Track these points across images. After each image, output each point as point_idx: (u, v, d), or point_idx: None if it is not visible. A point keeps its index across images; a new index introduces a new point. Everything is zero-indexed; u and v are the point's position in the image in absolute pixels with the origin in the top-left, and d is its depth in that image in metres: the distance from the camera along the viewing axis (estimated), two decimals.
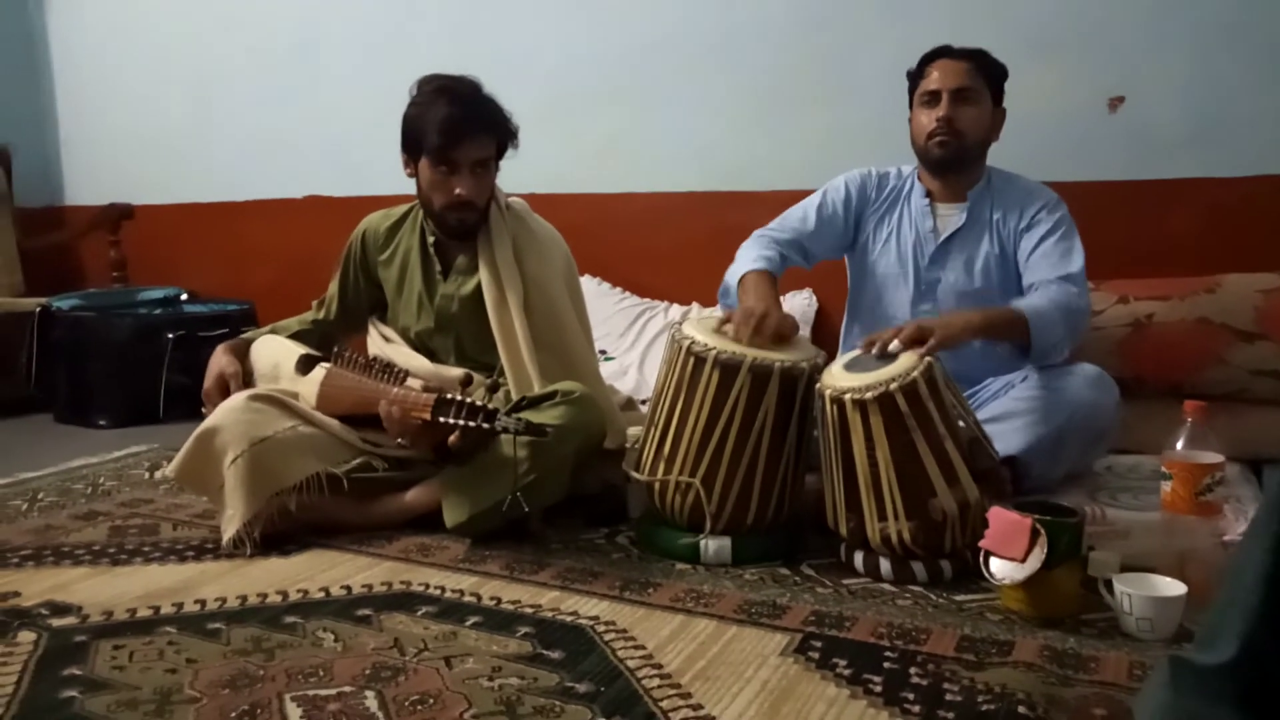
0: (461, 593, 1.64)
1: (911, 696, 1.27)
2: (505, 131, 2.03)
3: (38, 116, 4.25)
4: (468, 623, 1.51)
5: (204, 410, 2.02)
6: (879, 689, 1.29)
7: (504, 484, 1.79)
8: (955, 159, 2.11)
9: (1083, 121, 2.62)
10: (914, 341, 1.71)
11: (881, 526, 1.65)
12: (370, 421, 1.90)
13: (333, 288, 2.30)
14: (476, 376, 1.98)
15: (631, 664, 1.36)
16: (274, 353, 2.16)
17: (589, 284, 3.14)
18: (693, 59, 3.06)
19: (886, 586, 1.66)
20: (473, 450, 1.85)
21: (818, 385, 1.71)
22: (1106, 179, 2.60)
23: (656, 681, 1.31)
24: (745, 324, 1.80)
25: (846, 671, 1.34)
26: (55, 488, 2.34)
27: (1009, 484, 1.85)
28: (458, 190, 1.98)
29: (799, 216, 2.22)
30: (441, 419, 1.75)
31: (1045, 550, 1.46)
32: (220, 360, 2.16)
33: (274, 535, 1.86)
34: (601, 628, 1.49)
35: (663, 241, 3.17)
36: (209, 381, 2.14)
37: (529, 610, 1.56)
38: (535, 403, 1.90)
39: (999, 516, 1.53)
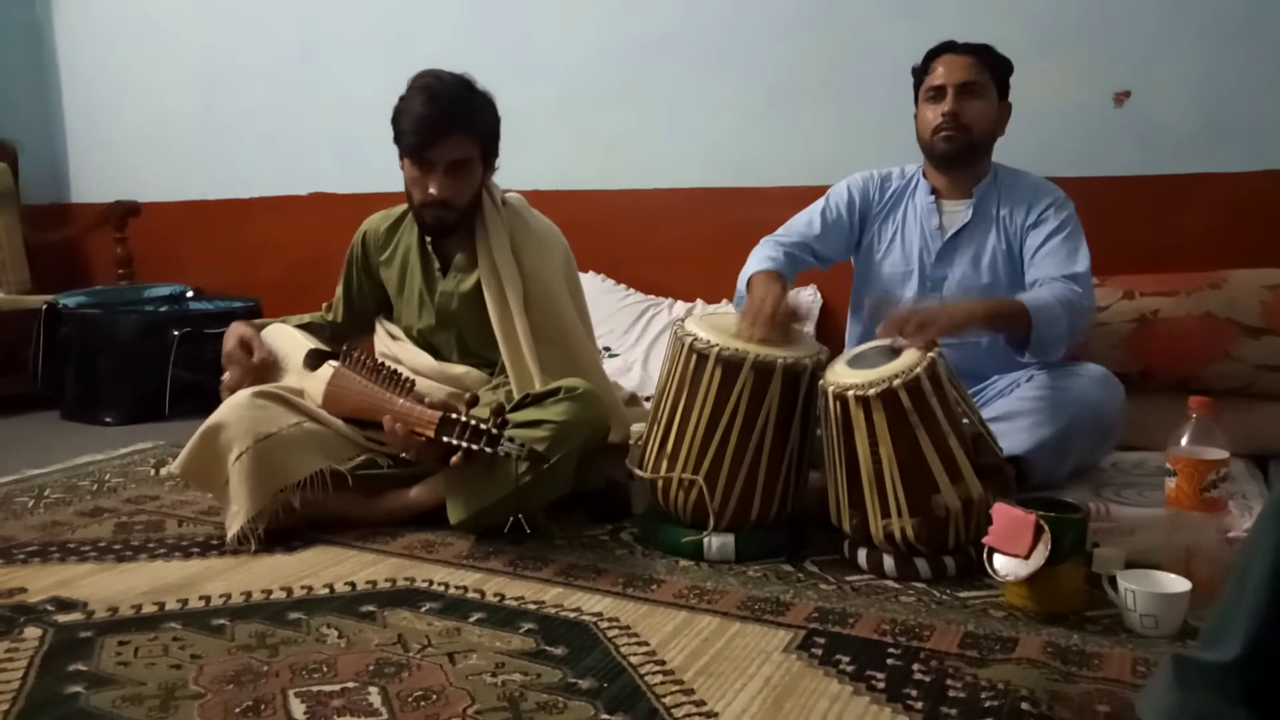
0: (465, 589, 1.64)
1: (914, 693, 1.27)
2: (485, 133, 2.03)
3: (44, 113, 4.26)
4: (471, 619, 1.52)
5: (221, 389, 2.01)
6: (882, 686, 1.29)
7: (507, 481, 1.79)
8: (961, 153, 2.10)
9: (1090, 117, 2.61)
10: (918, 331, 1.70)
11: (885, 523, 1.65)
12: (374, 425, 1.90)
13: (339, 292, 2.31)
14: (483, 396, 1.97)
15: (634, 660, 1.37)
16: (285, 343, 2.18)
17: (593, 280, 3.14)
18: (699, 55, 3.06)
19: (890, 583, 1.66)
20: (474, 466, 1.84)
21: (821, 382, 1.71)
22: (1114, 174, 2.59)
23: (659, 678, 1.31)
24: (750, 317, 1.80)
25: (849, 668, 1.34)
26: (61, 484, 2.35)
27: (1013, 480, 1.84)
28: (431, 189, 1.98)
29: (804, 222, 2.23)
30: (445, 439, 1.75)
31: (1049, 546, 1.46)
32: (240, 328, 2.17)
33: (278, 531, 1.87)
34: (604, 624, 1.49)
35: (667, 238, 3.17)
36: (230, 344, 2.14)
37: (532, 606, 1.57)
38: (538, 399, 1.91)
39: (1003, 513, 1.53)
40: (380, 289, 2.26)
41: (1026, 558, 1.47)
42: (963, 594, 1.60)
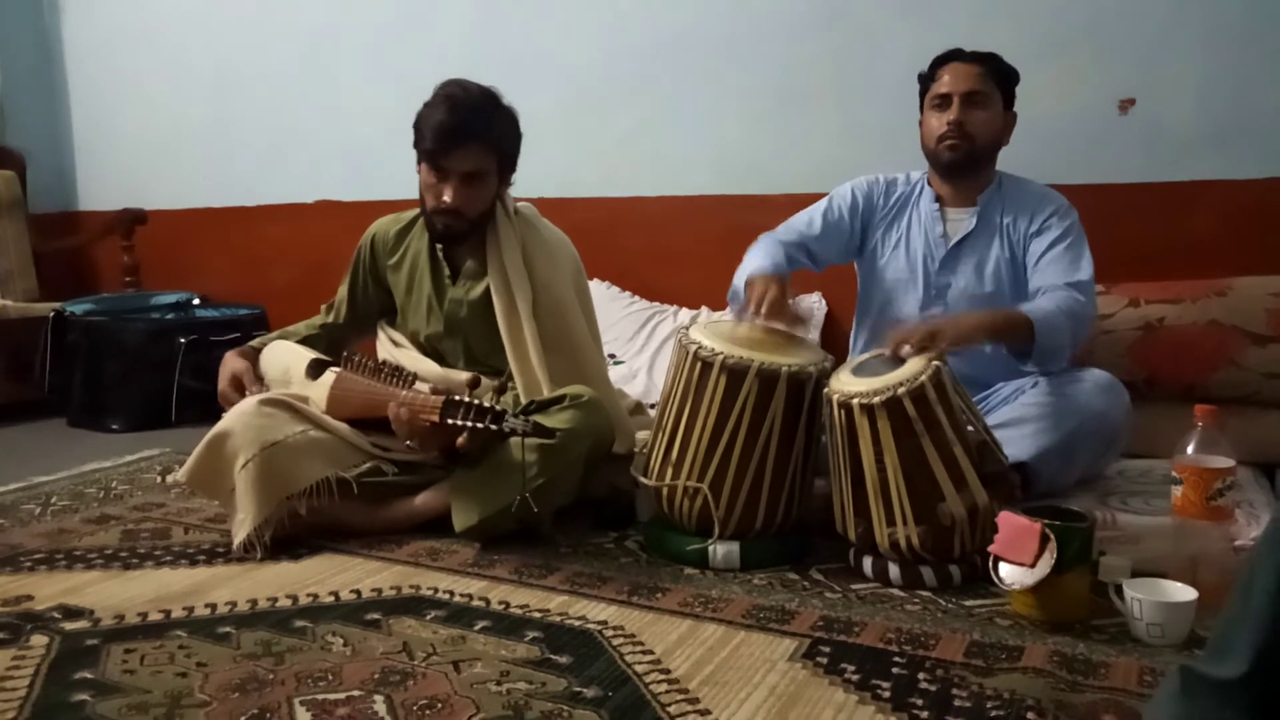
0: (470, 597, 1.65)
1: (920, 702, 1.27)
2: (504, 146, 2.04)
3: (52, 122, 4.28)
4: (476, 627, 1.52)
5: (222, 412, 2.03)
6: (887, 694, 1.29)
7: (513, 488, 1.80)
8: (965, 162, 2.10)
9: (1095, 123, 2.61)
10: (924, 346, 1.70)
11: (890, 531, 1.65)
12: (380, 425, 1.91)
13: (342, 291, 2.31)
14: (484, 379, 1.99)
15: (639, 669, 1.37)
16: (284, 358, 2.17)
17: (598, 288, 3.14)
18: (705, 62, 3.06)
19: (895, 591, 1.65)
20: (481, 452, 1.85)
21: (825, 390, 1.71)
22: (1119, 181, 2.59)
23: (664, 686, 1.31)
24: (755, 304, 1.80)
25: (855, 677, 1.34)
26: (68, 491, 2.36)
27: (1018, 488, 1.84)
28: (445, 197, 1.99)
29: (805, 221, 2.23)
30: (450, 421, 1.76)
31: (1055, 555, 1.46)
32: (232, 362, 2.18)
33: (284, 539, 1.87)
34: (609, 632, 1.49)
35: (673, 245, 3.17)
36: (223, 383, 2.15)
37: (537, 614, 1.57)
38: (544, 406, 1.91)
39: (1008, 521, 1.53)
40: (386, 293, 2.27)
41: (1032, 566, 1.47)
42: (968, 602, 1.60)
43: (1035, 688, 1.30)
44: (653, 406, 2.30)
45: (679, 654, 1.41)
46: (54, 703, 1.30)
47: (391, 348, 2.22)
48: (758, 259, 2.10)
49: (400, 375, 1.92)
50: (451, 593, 1.66)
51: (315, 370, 2.07)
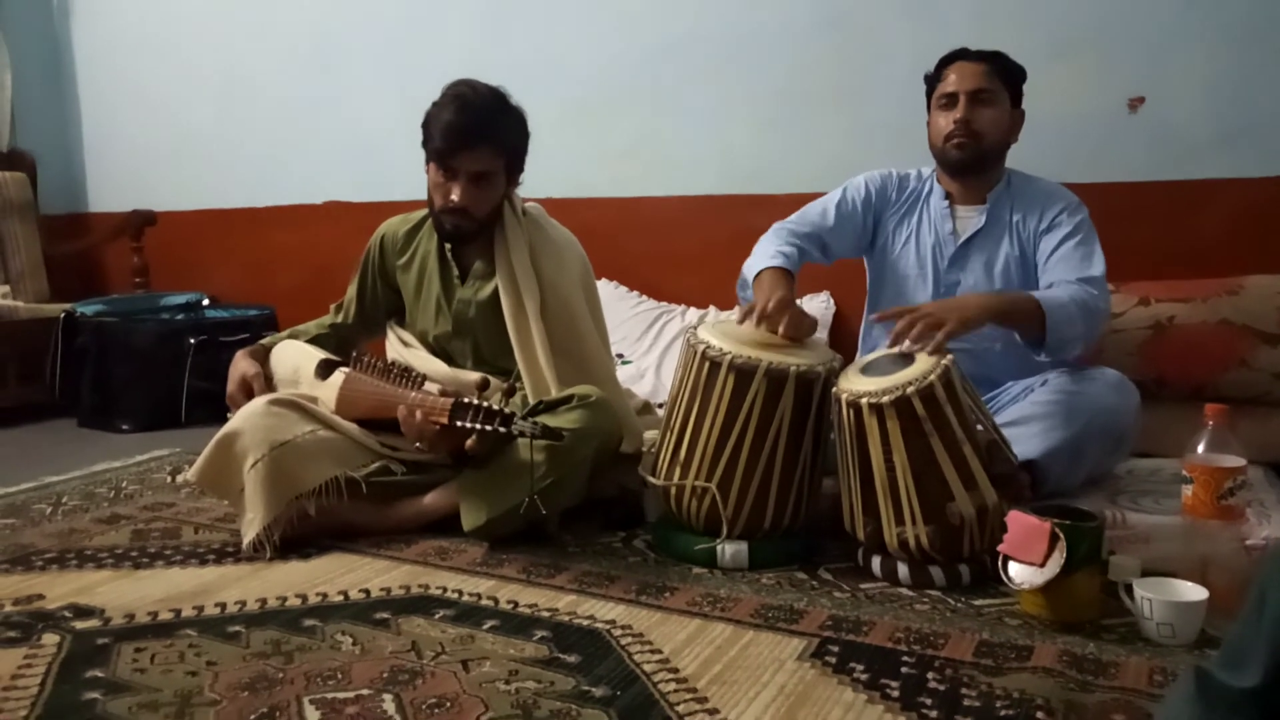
0: (479, 596, 1.65)
1: (929, 701, 1.26)
2: (512, 147, 2.04)
3: (62, 125, 4.30)
4: (485, 626, 1.52)
5: (229, 414, 2.04)
6: (896, 694, 1.29)
7: (521, 488, 1.80)
8: (973, 161, 2.10)
9: (1104, 121, 2.60)
10: (929, 331, 1.70)
11: (899, 531, 1.65)
12: (388, 425, 1.92)
13: (351, 291, 2.32)
14: (493, 380, 1.99)
15: (648, 668, 1.37)
16: (293, 358, 2.18)
17: (606, 288, 3.15)
18: (712, 64, 3.06)
19: (904, 591, 1.65)
20: (490, 453, 1.86)
21: (834, 389, 1.71)
22: (1129, 180, 2.58)
23: (673, 685, 1.31)
24: (760, 310, 1.80)
25: (864, 676, 1.33)
26: (78, 491, 2.37)
27: (1027, 487, 1.84)
28: (453, 197, 1.99)
29: (819, 212, 2.22)
30: (459, 423, 1.77)
31: (1064, 555, 1.45)
32: (241, 364, 2.18)
33: (293, 539, 1.88)
34: (618, 631, 1.49)
35: (680, 245, 3.17)
36: (232, 386, 2.16)
37: (546, 614, 1.57)
38: (551, 406, 1.91)
39: (1018, 520, 1.52)
40: (395, 293, 2.27)
41: (1042, 566, 1.47)
42: (977, 602, 1.59)
43: (1045, 687, 1.29)
44: (661, 406, 2.30)
45: (687, 653, 1.41)
46: (65, 701, 1.30)
47: (401, 348, 2.22)
48: (769, 254, 2.09)
49: (409, 376, 1.92)
50: (460, 592, 1.67)
51: (324, 370, 2.08)
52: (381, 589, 1.68)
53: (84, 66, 4.27)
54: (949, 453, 1.61)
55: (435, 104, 2.01)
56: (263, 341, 2.28)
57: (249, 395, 2.11)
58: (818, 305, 2.92)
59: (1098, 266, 2.00)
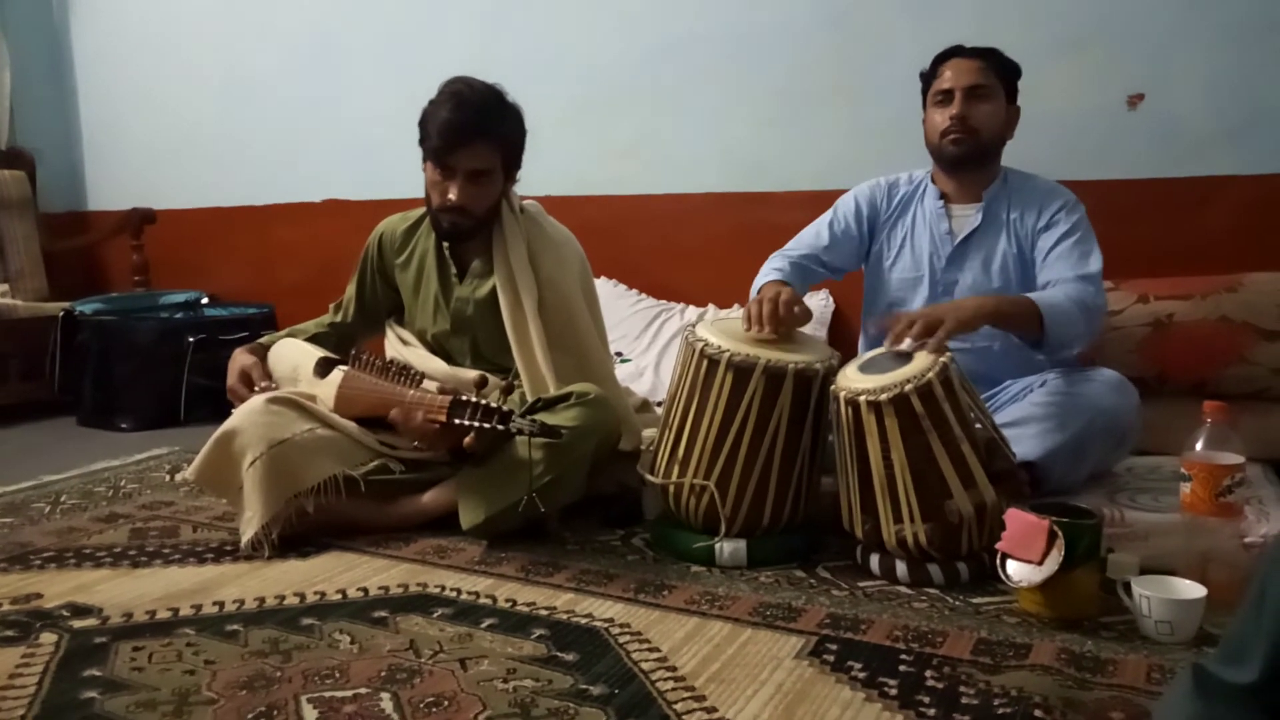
0: (477, 594, 1.65)
1: (927, 700, 1.26)
2: (509, 144, 2.04)
3: (62, 122, 4.30)
4: (483, 625, 1.52)
5: (231, 408, 2.04)
6: (894, 692, 1.28)
7: (520, 486, 1.80)
8: (970, 156, 2.10)
9: (1105, 119, 2.60)
10: (926, 332, 1.70)
11: (897, 529, 1.65)
12: (387, 423, 1.92)
13: (350, 290, 2.32)
14: (491, 378, 1.99)
15: (646, 666, 1.36)
16: (292, 356, 2.18)
17: (605, 285, 3.14)
18: (713, 60, 3.06)
19: (902, 589, 1.65)
20: (488, 451, 1.85)
21: (833, 387, 1.71)
22: (1129, 177, 2.58)
23: (671, 684, 1.31)
24: (754, 313, 1.80)
25: (862, 674, 1.33)
26: (77, 490, 2.37)
27: (1026, 485, 1.84)
28: (450, 194, 1.99)
29: (812, 234, 2.24)
30: (457, 420, 1.76)
31: (1063, 552, 1.45)
32: (240, 358, 2.18)
33: (292, 537, 1.88)
34: (616, 630, 1.49)
35: (680, 243, 3.17)
36: (232, 379, 2.16)
37: (544, 612, 1.57)
38: (550, 404, 1.91)
39: (1016, 518, 1.52)
40: (394, 291, 2.27)
41: (1040, 563, 1.47)
42: (976, 600, 1.59)
43: (1043, 685, 1.29)
44: (659, 404, 2.30)
45: (685, 651, 1.41)
46: (63, 700, 1.30)
47: (400, 346, 2.22)
48: (766, 273, 2.11)
49: (408, 374, 1.92)
50: (459, 590, 1.67)
51: (323, 369, 2.08)
52: (380, 587, 1.68)
53: (84, 64, 4.26)
54: (947, 450, 1.61)
55: (432, 102, 2.01)
56: (261, 340, 2.28)
57: (250, 386, 2.11)
58: (817, 303, 2.91)
59: (1095, 263, 2.00)
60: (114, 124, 4.22)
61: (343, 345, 2.24)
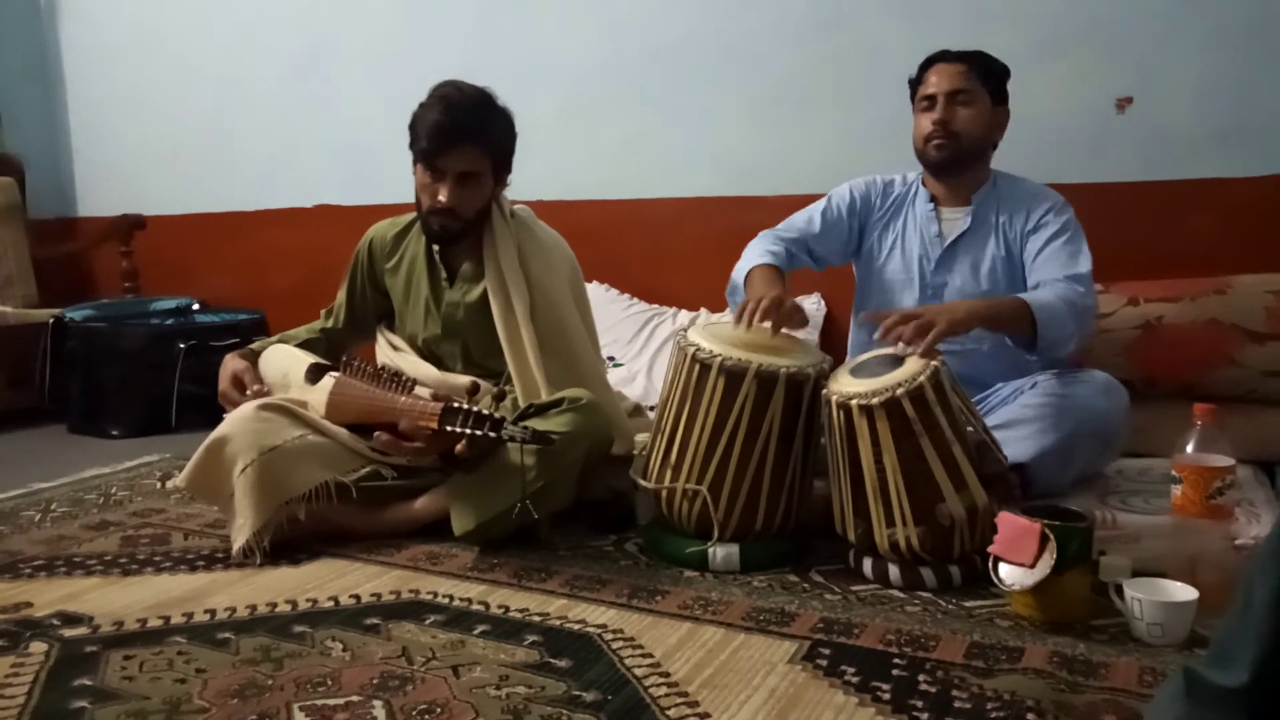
0: (470, 601, 1.64)
1: (920, 704, 1.26)
2: (499, 147, 2.04)
3: (50, 128, 4.28)
4: (475, 631, 1.51)
5: (223, 414, 2.03)
6: (887, 696, 1.29)
7: (512, 491, 1.80)
8: (952, 160, 2.11)
9: (1094, 122, 2.61)
10: (919, 334, 1.70)
11: (890, 532, 1.65)
12: (378, 429, 1.91)
13: (341, 296, 2.31)
14: (483, 384, 1.99)
15: (639, 672, 1.36)
16: (283, 362, 2.17)
17: (597, 290, 3.14)
18: (705, 64, 3.06)
19: (895, 593, 1.65)
20: (480, 457, 1.85)
21: (824, 391, 1.71)
22: (1118, 180, 2.59)
23: (664, 689, 1.31)
24: (752, 310, 1.80)
25: (855, 679, 1.33)
26: (67, 498, 2.36)
27: (1017, 488, 1.84)
28: (440, 197, 2.00)
29: (804, 219, 2.24)
30: (449, 428, 1.76)
31: (1055, 555, 1.46)
32: (232, 363, 2.18)
33: (283, 544, 1.87)
34: (609, 635, 1.49)
35: (671, 247, 3.17)
36: (224, 384, 2.15)
37: (537, 618, 1.56)
38: (542, 410, 1.91)
39: (1008, 521, 1.53)
40: (384, 296, 2.27)
41: (1032, 566, 1.47)
42: (968, 603, 1.60)
43: (1035, 689, 1.30)
44: (652, 409, 2.29)
45: (679, 657, 1.41)
46: (53, 710, 1.29)
47: (390, 352, 2.22)
48: (757, 253, 2.10)
49: (399, 380, 1.91)
50: (451, 597, 1.66)
51: (314, 375, 2.07)
52: (372, 594, 1.68)
53: (72, 69, 4.25)
54: (939, 454, 1.61)
55: (422, 105, 2.01)
56: (253, 345, 2.28)
57: (242, 391, 2.10)
58: (808, 306, 2.91)
59: (1084, 264, 2.01)
60: (103, 129, 4.20)
61: (334, 351, 2.23)
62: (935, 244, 2.16)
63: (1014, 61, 2.17)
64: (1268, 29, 2.44)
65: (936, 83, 2.11)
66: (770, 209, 2.79)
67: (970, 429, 1.69)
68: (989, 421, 1.87)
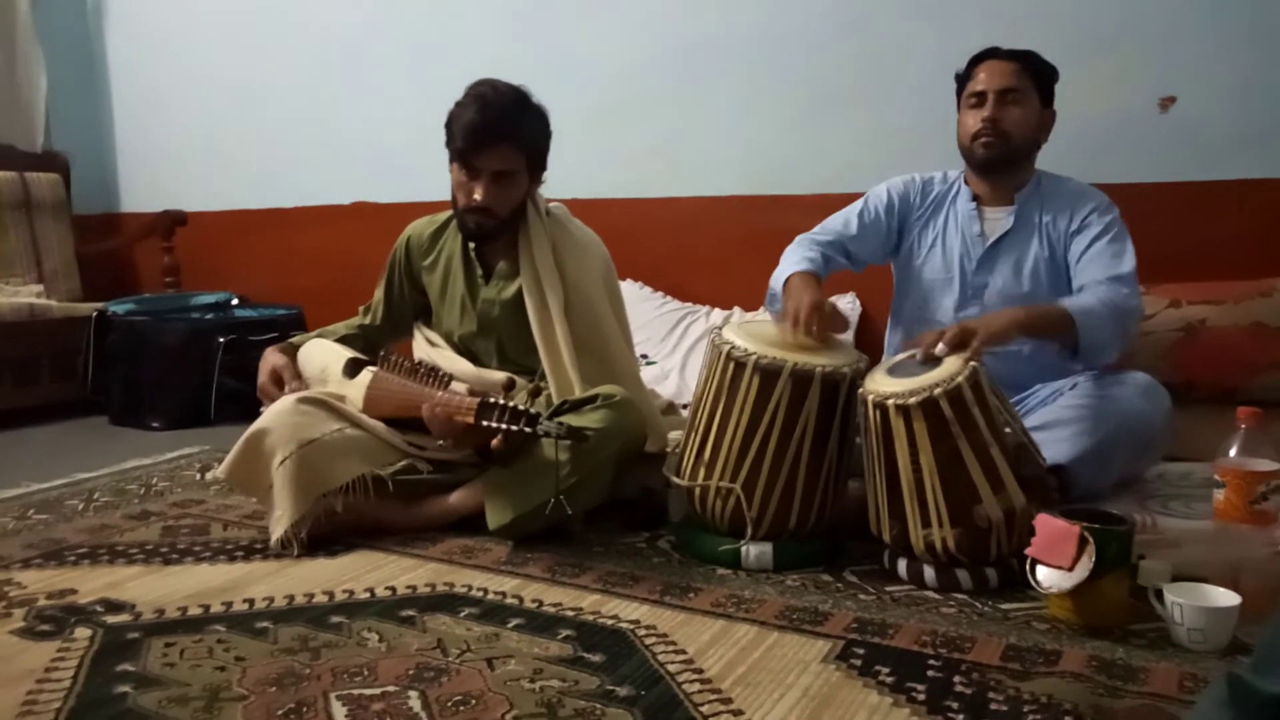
0: (504, 595, 1.65)
1: (955, 705, 1.26)
2: (534, 146, 2.05)
3: (95, 126, 4.36)
4: (510, 625, 1.52)
5: (261, 408, 2.06)
6: (922, 697, 1.28)
7: (546, 487, 1.81)
8: (1000, 159, 2.08)
9: (1135, 122, 2.58)
10: (958, 344, 1.69)
11: (925, 533, 1.64)
12: (415, 424, 1.93)
13: (378, 293, 2.33)
14: (519, 380, 2.00)
15: (672, 668, 1.37)
16: (322, 356, 2.20)
17: (631, 288, 3.15)
18: (735, 65, 3.06)
19: (930, 594, 1.64)
20: (515, 453, 1.86)
21: (860, 390, 1.70)
22: (1161, 180, 2.55)
23: (697, 686, 1.31)
24: (792, 318, 1.79)
25: (889, 679, 1.33)
26: (110, 488, 2.40)
27: (1056, 491, 1.82)
28: (475, 195, 2.01)
29: (841, 221, 2.22)
30: (485, 423, 1.77)
31: (1093, 558, 1.44)
32: (271, 358, 2.21)
33: (321, 536, 1.89)
34: (642, 631, 1.49)
35: (705, 245, 3.17)
36: (263, 378, 2.18)
37: (570, 613, 1.57)
38: (576, 406, 1.92)
39: (1046, 524, 1.51)
40: (421, 294, 2.29)
41: (1070, 569, 1.45)
42: (1005, 606, 1.58)
43: (1073, 692, 1.28)
44: (685, 407, 2.30)
45: (711, 654, 1.41)
46: (97, 694, 1.32)
47: (428, 348, 2.24)
48: (794, 261, 2.09)
49: (436, 376, 1.93)
50: (485, 590, 1.67)
51: (352, 369, 2.09)
52: (407, 587, 1.70)
53: (116, 69, 4.32)
54: (976, 455, 1.60)
55: (457, 104, 2.03)
56: (291, 340, 2.30)
57: (280, 386, 2.13)
58: (844, 306, 2.90)
59: (1128, 264, 1.98)
60: (146, 128, 4.27)
61: (371, 347, 2.25)
62: (977, 243, 2.14)
63: (1053, 61, 2.14)
64: None
65: (987, 80, 2.08)
66: (803, 208, 2.78)
67: (1008, 430, 1.67)
68: (1027, 423, 1.85)
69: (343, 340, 2.27)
